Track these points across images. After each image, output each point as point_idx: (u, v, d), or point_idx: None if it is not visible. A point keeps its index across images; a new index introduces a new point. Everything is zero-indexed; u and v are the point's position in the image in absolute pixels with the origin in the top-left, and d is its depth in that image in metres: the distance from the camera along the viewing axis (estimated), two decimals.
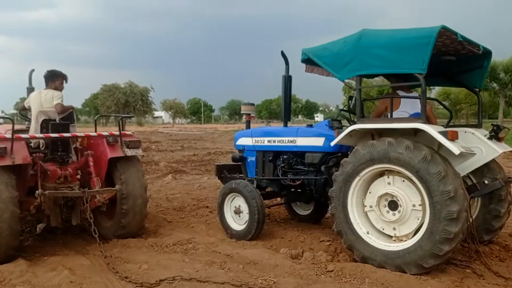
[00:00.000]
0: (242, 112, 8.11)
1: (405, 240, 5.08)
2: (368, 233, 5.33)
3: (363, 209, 5.42)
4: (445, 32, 5.07)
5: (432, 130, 4.79)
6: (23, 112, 7.36)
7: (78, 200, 6.26)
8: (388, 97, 6.01)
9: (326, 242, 6.33)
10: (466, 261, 5.44)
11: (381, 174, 5.30)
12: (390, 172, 5.20)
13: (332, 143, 5.85)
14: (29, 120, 6.97)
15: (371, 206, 5.32)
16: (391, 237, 5.24)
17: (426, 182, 4.74)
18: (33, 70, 7.56)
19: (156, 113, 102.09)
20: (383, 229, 5.30)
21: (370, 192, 5.36)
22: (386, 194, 5.20)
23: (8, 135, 5.73)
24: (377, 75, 6.75)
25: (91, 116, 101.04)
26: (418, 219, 4.99)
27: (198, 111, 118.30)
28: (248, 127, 7.79)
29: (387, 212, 5.21)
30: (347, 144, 5.80)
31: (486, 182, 5.52)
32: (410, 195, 5.04)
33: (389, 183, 5.21)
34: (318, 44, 6.04)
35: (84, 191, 5.96)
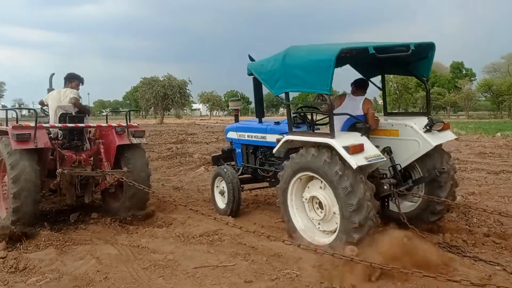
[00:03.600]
0: (230, 107, 9.30)
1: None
2: (304, 227, 5.98)
3: (302, 202, 6.06)
4: (353, 50, 5.63)
5: (338, 146, 5.27)
6: (43, 107, 8.05)
7: (90, 180, 7.24)
8: (310, 112, 6.91)
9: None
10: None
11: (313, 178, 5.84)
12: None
13: (274, 151, 6.58)
14: (47, 115, 7.68)
15: (306, 199, 5.97)
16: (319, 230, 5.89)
17: (336, 191, 5.33)
18: (53, 74, 8.41)
19: (194, 106, 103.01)
20: (313, 220, 5.94)
21: (308, 187, 5.97)
22: (315, 197, 5.81)
23: (32, 124, 6.54)
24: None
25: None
26: (336, 223, 5.51)
27: None
28: (236, 121, 8.67)
29: (317, 209, 5.85)
30: (294, 146, 6.26)
31: (385, 186, 5.83)
32: (333, 201, 5.50)
33: (321, 188, 5.74)
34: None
35: (97, 171, 6.96)
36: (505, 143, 19.22)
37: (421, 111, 76.04)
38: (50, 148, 6.69)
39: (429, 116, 6.15)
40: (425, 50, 6.12)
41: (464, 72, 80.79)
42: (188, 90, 61.12)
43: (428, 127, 5.93)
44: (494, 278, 4.69)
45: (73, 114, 7.30)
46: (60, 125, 7.05)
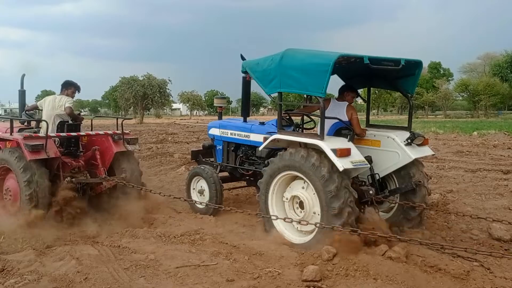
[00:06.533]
0: (215, 104, 9.63)
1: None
2: (281, 224, 6.06)
3: (282, 200, 6.15)
4: (350, 58, 5.76)
5: (326, 148, 5.42)
6: (30, 112, 8.13)
7: (87, 185, 7.56)
8: (300, 113, 7.25)
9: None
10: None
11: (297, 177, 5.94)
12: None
13: (260, 148, 6.71)
14: (32, 120, 7.95)
15: (287, 199, 6.07)
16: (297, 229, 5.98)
17: (319, 194, 5.48)
18: (24, 75, 8.45)
19: (174, 105, 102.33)
20: (291, 221, 5.96)
21: (290, 187, 6.08)
22: (296, 196, 5.95)
23: (42, 135, 6.90)
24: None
25: (110, 108, 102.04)
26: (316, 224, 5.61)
27: None
28: (220, 118, 8.81)
29: (297, 209, 5.98)
30: (281, 146, 6.38)
31: (371, 191, 5.91)
32: (315, 202, 5.64)
33: (303, 188, 5.88)
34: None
35: (100, 178, 7.40)
36: (482, 141, 19.62)
37: (399, 112, 76.78)
38: (58, 157, 6.98)
39: (411, 131, 6.37)
40: (413, 67, 6.29)
41: (441, 72, 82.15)
42: (168, 89, 60.67)
43: (409, 141, 6.13)
44: (472, 273, 4.79)
45: (70, 122, 7.53)
46: (65, 134, 7.31)
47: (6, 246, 5.87)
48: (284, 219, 5.87)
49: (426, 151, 6.39)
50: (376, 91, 74.43)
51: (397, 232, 5.99)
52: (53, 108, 7.56)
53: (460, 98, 74.34)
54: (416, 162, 6.27)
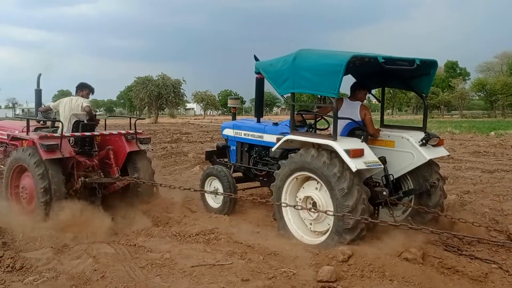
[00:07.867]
0: (228, 105, 10.12)
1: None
2: (295, 226, 6.12)
3: (295, 201, 6.12)
4: (364, 58, 5.72)
5: (339, 148, 5.43)
6: (46, 113, 8.28)
7: (101, 184, 7.62)
8: (312, 113, 7.26)
9: None
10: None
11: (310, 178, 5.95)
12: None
13: (273, 149, 6.69)
14: (48, 120, 8.16)
15: (300, 199, 6.05)
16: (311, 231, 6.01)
17: (332, 192, 5.48)
18: (40, 74, 8.63)
19: (188, 105, 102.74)
20: (305, 220, 6.06)
21: (303, 188, 6.07)
22: (309, 197, 5.94)
23: (57, 135, 7.00)
24: None
25: (126, 108, 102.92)
26: (329, 224, 5.67)
27: None
28: (234, 118, 8.89)
29: (309, 209, 5.92)
30: (294, 147, 6.38)
31: (384, 192, 5.87)
32: (328, 202, 5.64)
33: (316, 188, 5.88)
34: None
35: (113, 177, 7.50)
36: (499, 142, 19.36)
37: (414, 112, 76.14)
38: (73, 157, 7.10)
39: (426, 131, 6.32)
40: (428, 67, 6.23)
41: (458, 71, 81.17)
42: (182, 89, 60.91)
43: (424, 141, 6.08)
44: (490, 276, 4.73)
45: (86, 122, 7.69)
46: (79, 134, 7.45)
47: (24, 244, 5.96)
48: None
49: (441, 151, 6.33)
50: (391, 91, 73.87)
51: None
52: (71, 109, 7.72)
53: (477, 97, 73.40)
54: (430, 163, 6.21)
